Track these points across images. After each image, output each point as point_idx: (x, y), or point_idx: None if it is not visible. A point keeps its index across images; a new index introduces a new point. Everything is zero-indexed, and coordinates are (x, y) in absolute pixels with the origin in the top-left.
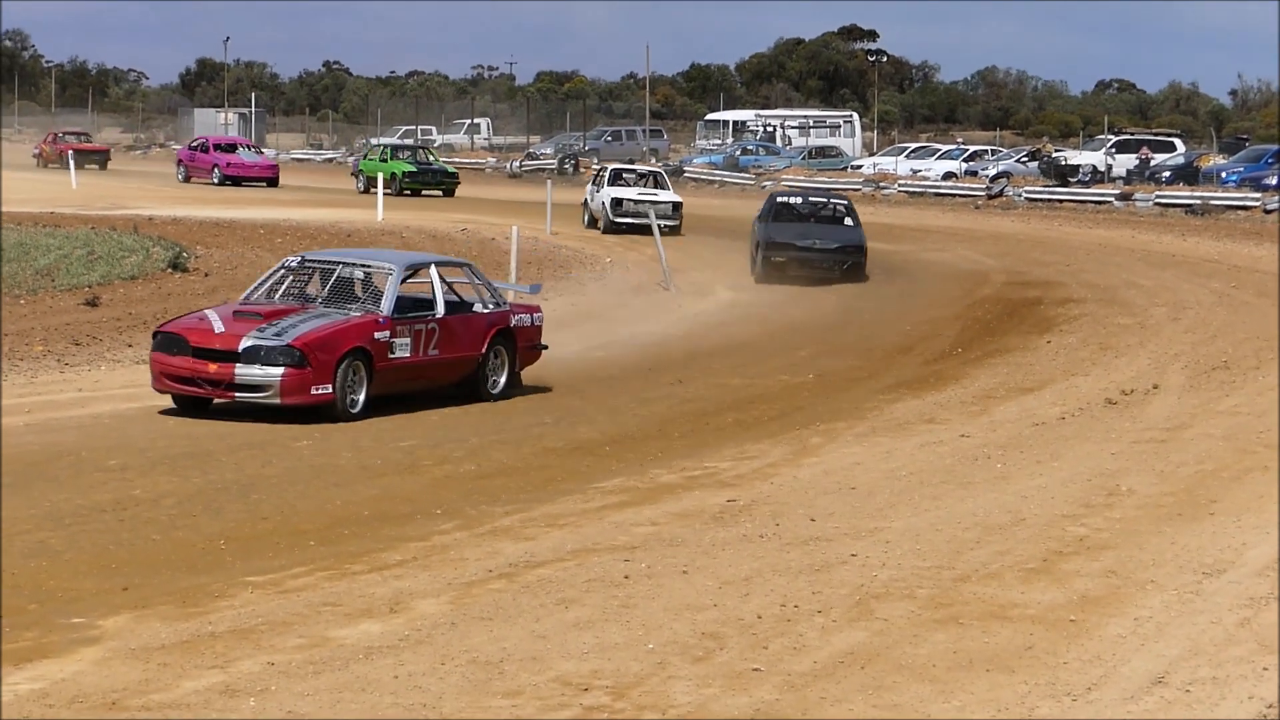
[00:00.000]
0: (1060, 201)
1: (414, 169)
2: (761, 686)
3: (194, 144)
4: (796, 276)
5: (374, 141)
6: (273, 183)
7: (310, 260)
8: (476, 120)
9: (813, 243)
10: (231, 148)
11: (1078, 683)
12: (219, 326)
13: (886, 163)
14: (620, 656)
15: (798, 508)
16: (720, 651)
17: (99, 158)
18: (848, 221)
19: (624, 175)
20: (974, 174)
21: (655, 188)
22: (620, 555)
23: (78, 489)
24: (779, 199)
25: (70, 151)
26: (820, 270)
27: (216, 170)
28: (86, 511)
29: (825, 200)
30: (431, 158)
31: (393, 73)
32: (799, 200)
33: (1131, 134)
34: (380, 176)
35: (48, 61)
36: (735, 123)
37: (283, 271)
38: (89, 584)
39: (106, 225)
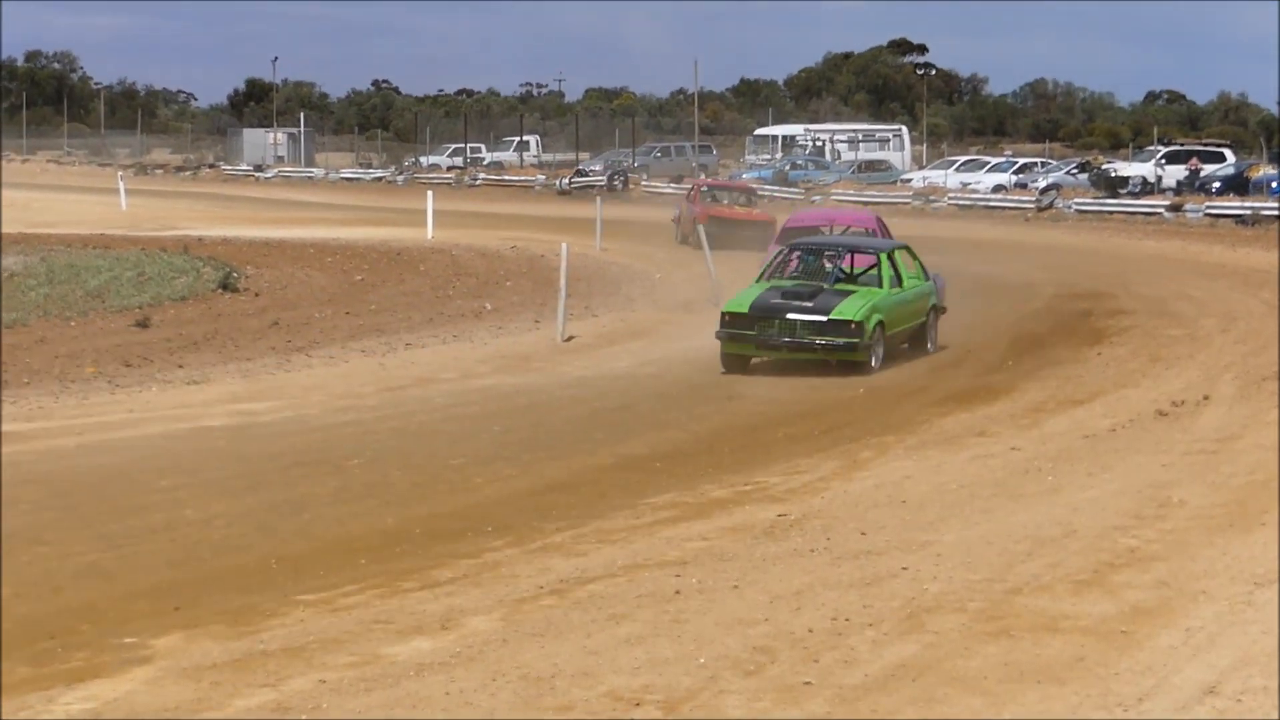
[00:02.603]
0: (1110, 213)
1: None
2: (813, 700)
3: None
4: None
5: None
6: None
7: None
8: (525, 137)
9: None
10: None
11: (1129, 694)
12: None
13: (936, 176)
14: (672, 671)
15: (848, 522)
16: (771, 665)
17: (758, 233)
18: None
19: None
20: (1024, 186)
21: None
22: (671, 570)
23: (129, 510)
24: None
25: (711, 220)
26: None
27: None
28: (138, 532)
29: None
30: None
31: (441, 91)
32: None
33: (1181, 145)
34: None
35: (96, 83)
36: (784, 137)
37: None
38: (141, 604)
39: (156, 246)
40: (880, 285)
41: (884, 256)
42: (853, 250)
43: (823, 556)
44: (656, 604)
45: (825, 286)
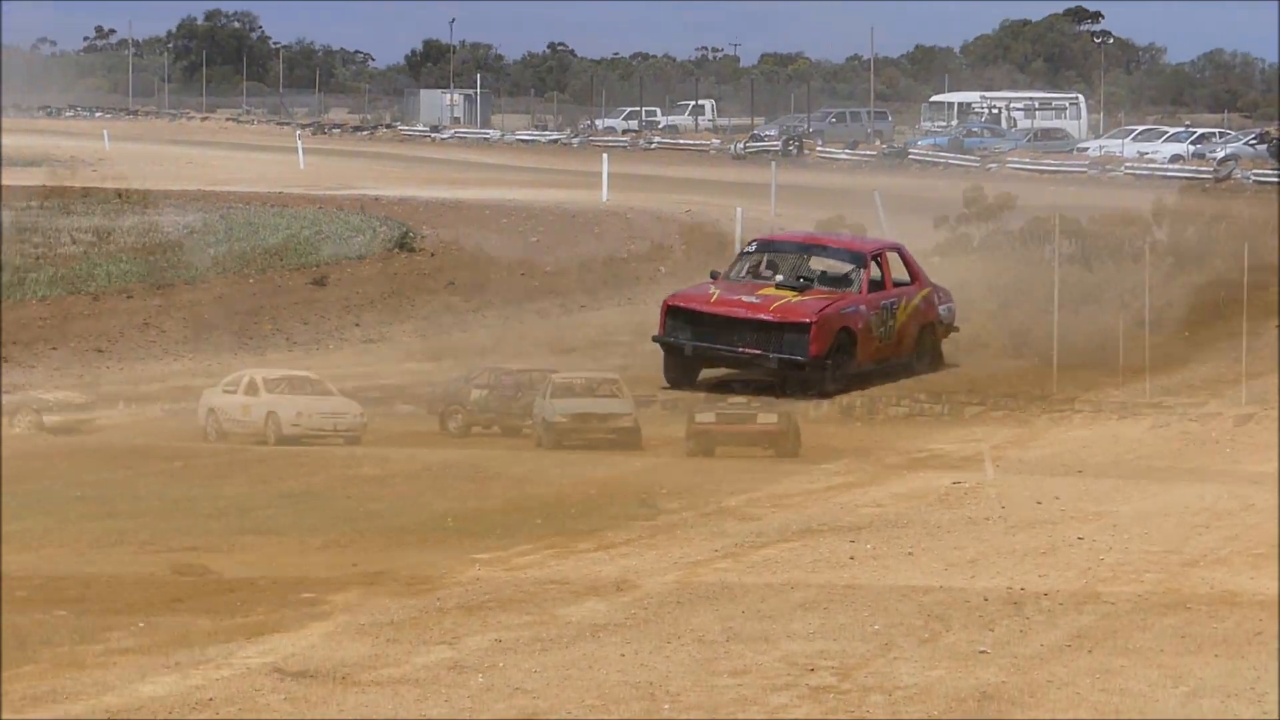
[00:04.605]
0: None
1: None
2: (988, 668)
3: None
4: None
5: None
6: None
7: None
8: (701, 102)
9: None
10: None
11: None
12: None
13: (1113, 145)
14: (846, 637)
15: (1023, 490)
16: (946, 633)
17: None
18: None
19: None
20: (1201, 156)
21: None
22: (845, 536)
23: (309, 468)
24: None
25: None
26: None
27: None
28: (317, 490)
29: None
30: None
31: (616, 54)
32: None
33: None
34: None
35: (275, 43)
36: (960, 105)
37: None
38: (319, 560)
39: (333, 205)
40: None
41: None
42: None
43: (997, 525)
44: (831, 570)
45: None
